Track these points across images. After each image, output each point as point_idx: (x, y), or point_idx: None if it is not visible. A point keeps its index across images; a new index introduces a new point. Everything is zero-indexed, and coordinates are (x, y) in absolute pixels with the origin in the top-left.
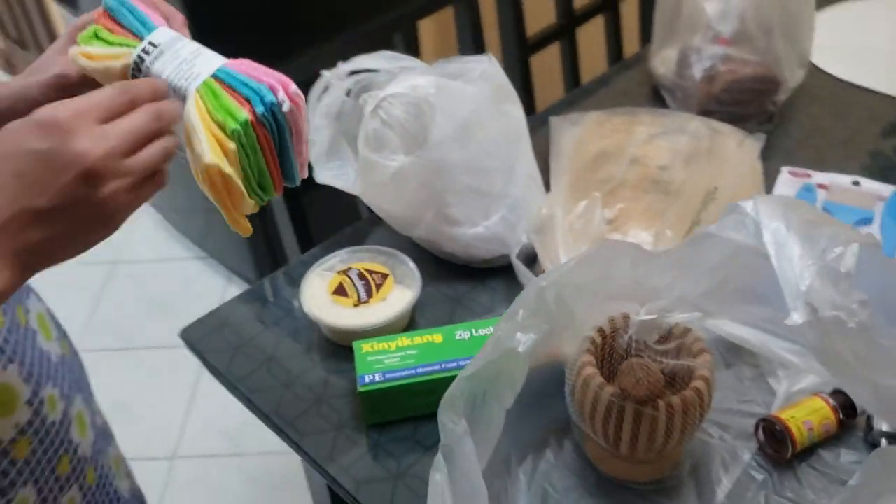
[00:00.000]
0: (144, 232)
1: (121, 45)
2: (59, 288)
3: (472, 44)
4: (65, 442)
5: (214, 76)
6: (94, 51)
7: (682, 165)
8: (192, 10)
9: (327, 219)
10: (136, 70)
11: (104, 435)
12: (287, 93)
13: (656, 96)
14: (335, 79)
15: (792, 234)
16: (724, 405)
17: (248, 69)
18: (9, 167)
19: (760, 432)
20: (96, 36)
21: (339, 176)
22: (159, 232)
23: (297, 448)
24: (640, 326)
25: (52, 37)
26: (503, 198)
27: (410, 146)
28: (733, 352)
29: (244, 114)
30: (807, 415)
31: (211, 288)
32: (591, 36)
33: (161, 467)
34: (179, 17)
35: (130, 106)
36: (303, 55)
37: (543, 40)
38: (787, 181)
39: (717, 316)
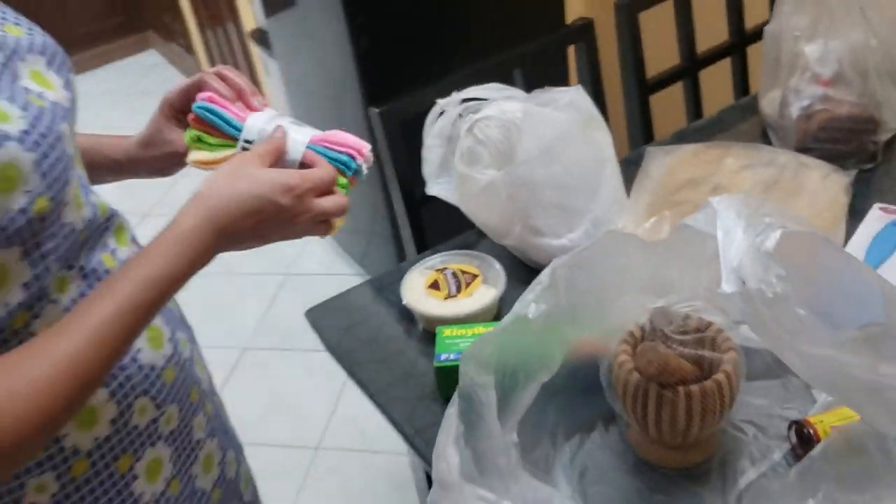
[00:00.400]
0: (315, 249)
1: (221, 146)
2: (241, 292)
3: (590, 81)
4: (193, 375)
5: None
6: (204, 157)
7: (760, 194)
8: (362, 58)
9: (446, 230)
10: None
11: (211, 383)
12: (363, 156)
13: (766, 136)
14: (448, 106)
15: (740, 222)
16: (765, 409)
17: (328, 143)
18: (255, 205)
19: (792, 434)
20: (199, 139)
21: (445, 189)
22: (327, 250)
23: (384, 411)
24: (653, 314)
25: (253, 78)
26: (586, 214)
27: (500, 163)
28: (783, 363)
29: (345, 180)
30: (836, 420)
31: None
32: (719, 75)
33: (306, 455)
34: (248, 89)
35: (329, 188)
36: (434, 85)
37: (666, 80)
38: (877, 216)
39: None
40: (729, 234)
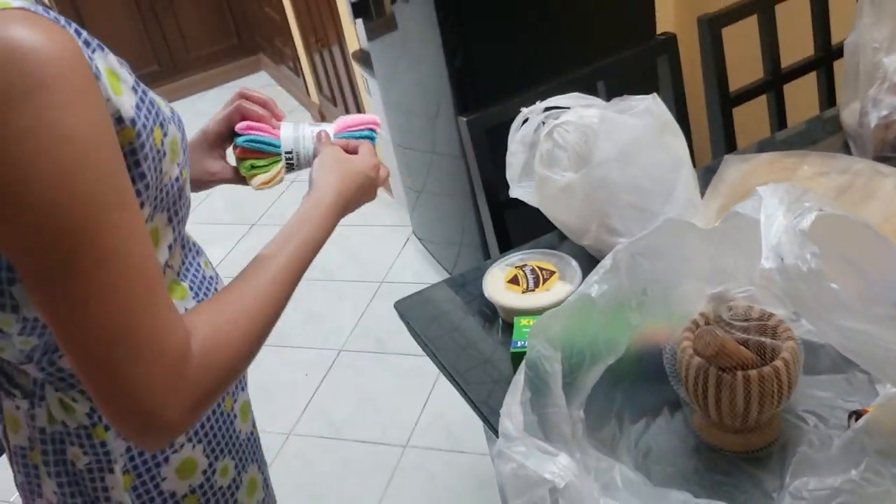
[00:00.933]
0: (408, 259)
1: (272, 164)
2: (339, 298)
3: (673, 93)
4: None
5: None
6: (265, 178)
7: (830, 199)
8: (456, 76)
9: (528, 235)
10: (290, 171)
11: None
12: (378, 126)
13: (847, 147)
14: (532, 114)
15: (781, 207)
16: (827, 402)
17: (348, 126)
18: (361, 180)
19: (852, 423)
20: (252, 166)
21: (527, 192)
22: (419, 259)
23: (463, 393)
24: (711, 299)
25: (355, 94)
26: (660, 215)
27: (578, 166)
28: (848, 359)
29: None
30: None
31: None
32: (805, 89)
33: (394, 452)
34: (270, 101)
35: None
36: (519, 95)
37: (750, 93)
38: None
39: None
40: (770, 218)
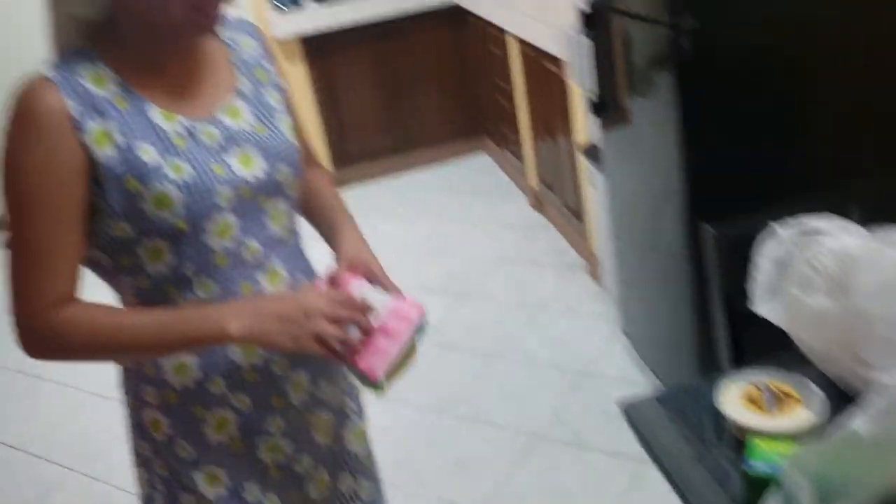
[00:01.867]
0: (611, 353)
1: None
2: (536, 382)
3: None
4: (283, 391)
5: None
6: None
7: None
8: (688, 175)
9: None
10: None
11: (337, 417)
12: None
13: None
14: (783, 231)
15: None
16: None
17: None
18: (275, 307)
19: None
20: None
21: (772, 311)
22: (623, 355)
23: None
24: None
25: (576, 187)
26: None
27: (834, 292)
28: None
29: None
30: None
31: None
32: None
33: None
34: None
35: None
36: (766, 209)
37: None
38: None
39: None
40: None
